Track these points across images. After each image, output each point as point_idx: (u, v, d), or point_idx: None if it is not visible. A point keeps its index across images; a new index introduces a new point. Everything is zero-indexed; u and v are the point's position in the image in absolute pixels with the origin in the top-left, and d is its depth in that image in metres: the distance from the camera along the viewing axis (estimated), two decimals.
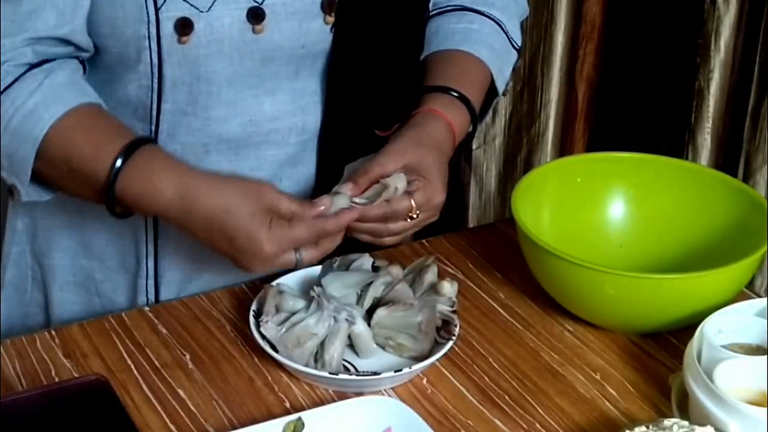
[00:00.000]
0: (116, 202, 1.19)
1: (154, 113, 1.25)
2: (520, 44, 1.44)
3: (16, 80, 1.17)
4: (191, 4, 1.18)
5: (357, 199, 1.21)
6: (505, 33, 1.41)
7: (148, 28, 1.19)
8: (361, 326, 1.19)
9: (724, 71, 1.95)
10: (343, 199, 1.20)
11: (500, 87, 1.41)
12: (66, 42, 1.21)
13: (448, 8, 1.42)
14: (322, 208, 1.18)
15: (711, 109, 1.97)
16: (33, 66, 1.18)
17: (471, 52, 1.37)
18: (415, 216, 1.22)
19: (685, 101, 2.00)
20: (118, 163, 1.16)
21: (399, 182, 1.22)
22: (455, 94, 1.32)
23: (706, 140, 1.99)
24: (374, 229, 1.23)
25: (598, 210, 1.41)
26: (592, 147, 2.21)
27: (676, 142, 2.03)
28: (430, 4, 1.39)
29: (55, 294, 1.38)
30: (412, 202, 1.22)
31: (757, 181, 1.90)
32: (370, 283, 1.21)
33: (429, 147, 1.26)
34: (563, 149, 2.24)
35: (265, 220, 1.15)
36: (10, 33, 1.17)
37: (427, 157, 1.24)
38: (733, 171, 1.92)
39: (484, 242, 1.44)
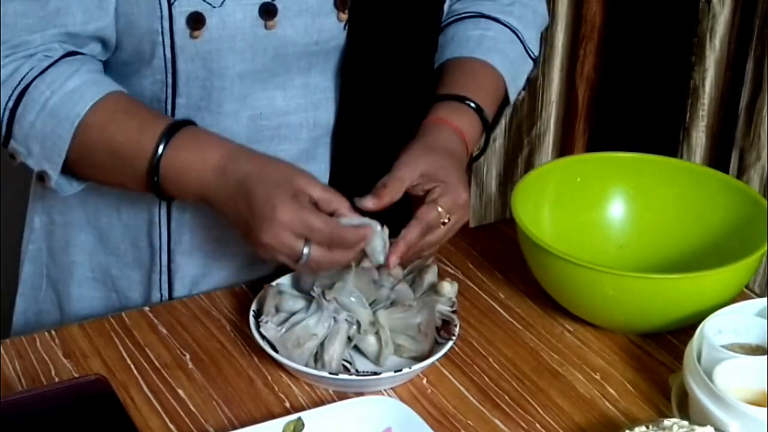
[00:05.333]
0: (159, 177, 1.18)
1: (170, 108, 1.26)
2: (537, 54, 1.43)
3: (51, 65, 1.19)
4: (203, 0, 1.19)
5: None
6: (522, 42, 1.40)
7: (161, 23, 1.20)
8: (371, 338, 1.19)
9: (719, 69, 1.95)
10: (378, 239, 1.18)
11: (512, 95, 1.40)
12: (94, 39, 1.22)
13: (465, 15, 1.41)
14: (348, 219, 1.16)
15: (706, 107, 1.97)
16: (66, 55, 1.20)
17: (484, 59, 1.36)
18: (446, 221, 1.21)
19: (682, 100, 2.00)
20: (165, 137, 1.17)
21: (379, 240, 1.19)
22: (465, 102, 1.32)
23: (700, 138, 1.99)
24: (418, 251, 1.22)
25: (598, 210, 1.41)
26: (592, 147, 2.21)
27: (671, 140, 2.03)
28: (445, 6, 1.39)
29: (74, 290, 1.38)
30: (440, 209, 1.20)
31: (751, 177, 1.90)
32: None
33: (441, 152, 1.25)
34: (563, 149, 2.24)
35: (288, 191, 1.14)
36: (39, 29, 1.18)
37: (441, 161, 1.24)
38: (726, 168, 1.92)
39: (484, 242, 1.44)
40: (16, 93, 1.18)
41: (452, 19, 1.41)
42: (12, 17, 1.17)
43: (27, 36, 1.18)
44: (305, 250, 1.13)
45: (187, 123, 1.21)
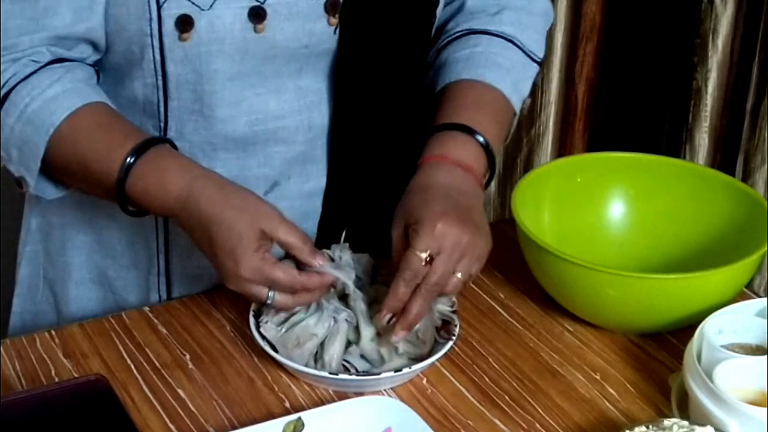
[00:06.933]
0: (126, 198, 1.18)
1: (162, 111, 1.25)
2: (541, 56, 1.39)
3: (35, 72, 1.18)
4: (192, 2, 1.18)
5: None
6: (520, 47, 1.35)
7: (150, 25, 1.20)
8: (368, 340, 1.19)
9: (722, 70, 1.95)
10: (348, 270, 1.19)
11: (516, 105, 1.34)
12: (84, 41, 1.22)
13: (455, 35, 1.36)
14: (317, 264, 1.15)
15: (708, 108, 1.97)
16: (52, 62, 1.19)
17: (474, 78, 1.31)
18: (430, 257, 1.14)
19: (684, 101, 2.00)
20: (130, 159, 1.16)
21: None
22: (449, 127, 1.25)
23: (703, 139, 1.99)
24: (429, 298, 1.15)
25: (598, 210, 1.41)
26: (592, 147, 2.21)
27: (674, 142, 2.03)
28: (439, 10, 1.38)
29: (71, 291, 1.38)
30: (417, 253, 1.14)
31: (756, 180, 1.90)
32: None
33: (415, 192, 1.19)
34: (563, 149, 2.24)
35: (252, 244, 1.13)
36: (28, 31, 1.18)
37: (409, 205, 1.18)
38: (731, 171, 1.92)
39: None
40: None
41: (445, 41, 1.37)
42: (2, 19, 1.16)
43: (15, 38, 1.17)
44: (270, 295, 1.14)
45: (157, 142, 1.18)
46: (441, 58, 1.36)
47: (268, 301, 1.15)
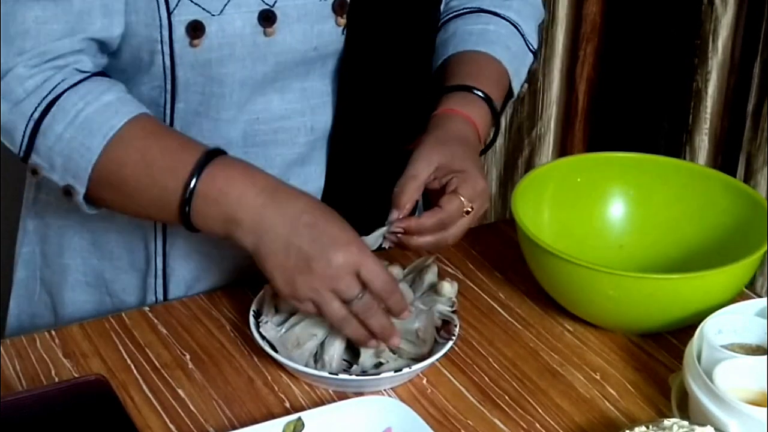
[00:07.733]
0: (194, 191, 1.14)
1: (168, 112, 1.25)
2: (536, 47, 1.43)
3: (85, 79, 1.17)
4: (203, 8, 1.18)
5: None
6: (522, 35, 1.40)
7: (161, 31, 1.19)
8: (368, 356, 1.19)
9: (722, 72, 1.95)
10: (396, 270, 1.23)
11: (516, 88, 1.40)
12: (101, 47, 1.20)
13: (464, 11, 1.41)
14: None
15: (709, 110, 1.97)
16: (96, 74, 1.18)
17: (488, 52, 1.36)
18: (470, 209, 1.21)
19: (684, 103, 2.00)
20: (210, 154, 1.15)
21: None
22: (473, 91, 1.31)
23: (703, 141, 1.99)
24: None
25: (598, 210, 1.41)
26: (592, 147, 2.21)
27: (674, 143, 2.03)
28: (442, 6, 1.39)
29: (67, 294, 1.38)
30: (462, 198, 1.20)
31: (758, 182, 1.89)
32: None
33: (454, 143, 1.25)
34: (563, 150, 2.24)
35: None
36: (66, 33, 1.16)
37: (455, 150, 1.23)
38: (731, 172, 1.92)
39: (484, 242, 1.44)
40: (44, 103, 1.15)
41: (451, 15, 1.41)
42: (34, 24, 1.14)
43: (52, 43, 1.15)
44: (357, 294, 1.12)
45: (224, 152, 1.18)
46: (448, 30, 1.40)
47: (355, 301, 1.12)
